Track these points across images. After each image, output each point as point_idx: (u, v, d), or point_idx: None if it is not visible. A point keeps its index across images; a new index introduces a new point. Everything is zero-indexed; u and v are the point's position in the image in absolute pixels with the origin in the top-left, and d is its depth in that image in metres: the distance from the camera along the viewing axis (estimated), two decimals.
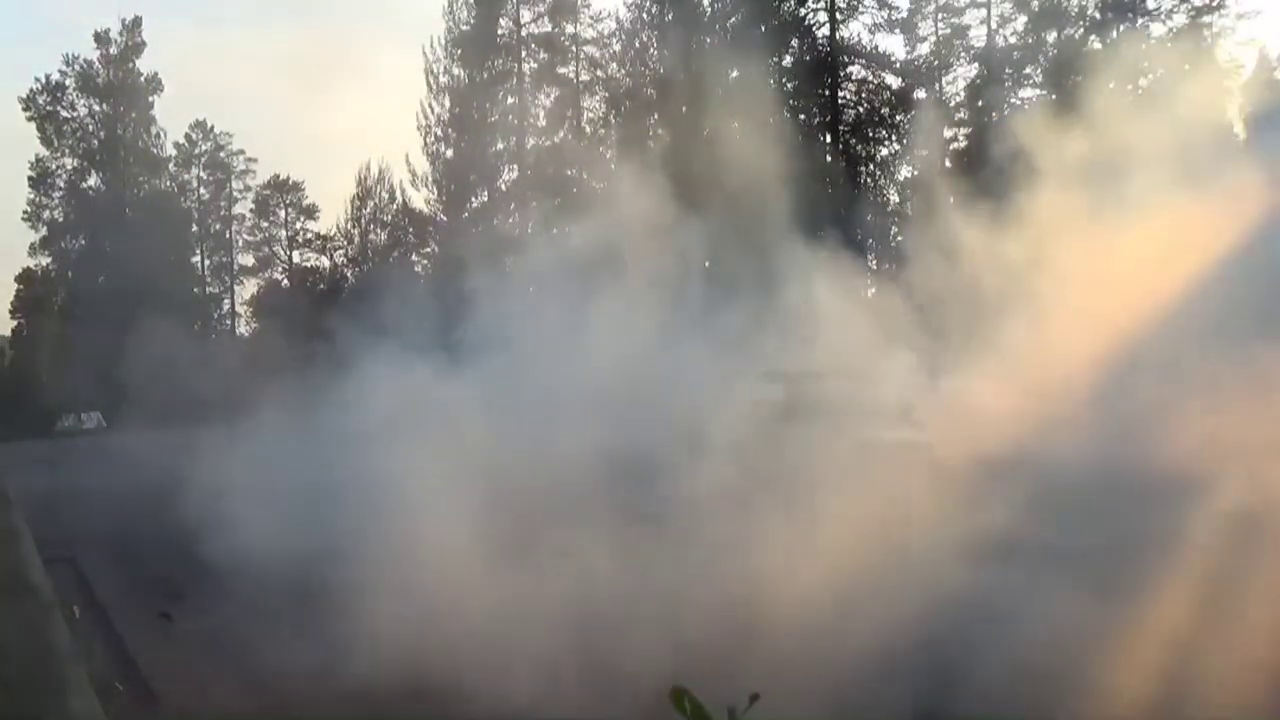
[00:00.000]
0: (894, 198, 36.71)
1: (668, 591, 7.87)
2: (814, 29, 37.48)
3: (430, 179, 40.09)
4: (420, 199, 41.20)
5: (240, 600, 8.93)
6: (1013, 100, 35.56)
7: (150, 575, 10.95)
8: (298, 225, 48.45)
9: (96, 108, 43.38)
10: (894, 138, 37.02)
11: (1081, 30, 34.25)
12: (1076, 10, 34.55)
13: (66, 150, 43.47)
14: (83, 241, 42.78)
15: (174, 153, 45.77)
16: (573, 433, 10.96)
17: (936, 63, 37.23)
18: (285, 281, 47.32)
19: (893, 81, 37.65)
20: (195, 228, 46.82)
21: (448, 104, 39.71)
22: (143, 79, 43.72)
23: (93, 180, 43.74)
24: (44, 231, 43.08)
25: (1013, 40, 36.16)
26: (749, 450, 10.97)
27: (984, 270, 14.82)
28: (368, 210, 45.36)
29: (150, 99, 43.98)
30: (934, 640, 6.99)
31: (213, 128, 47.04)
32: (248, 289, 47.99)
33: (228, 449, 12.58)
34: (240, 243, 48.18)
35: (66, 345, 33.23)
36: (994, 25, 36.44)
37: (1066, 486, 11.07)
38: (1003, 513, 9.61)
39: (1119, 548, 8.87)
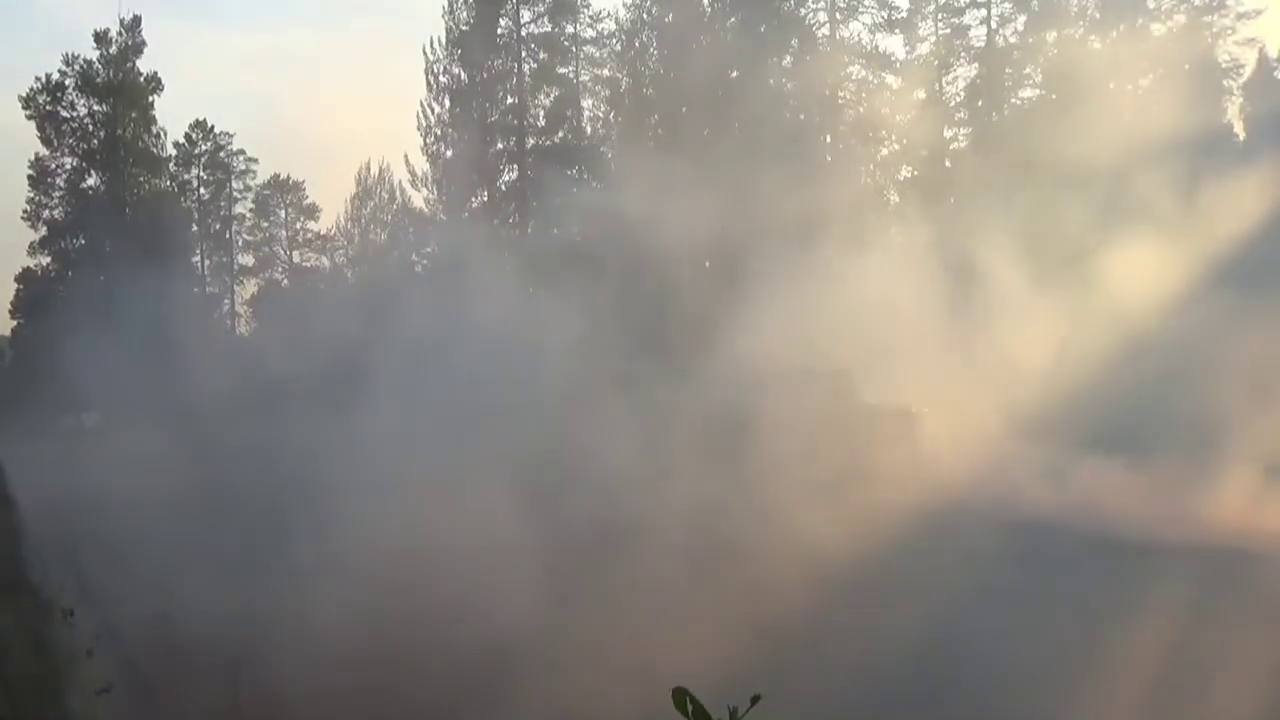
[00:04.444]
0: (894, 198, 36.72)
1: None
2: (814, 29, 37.45)
3: (430, 179, 40.07)
4: (420, 199, 41.21)
5: None
6: (1013, 100, 35.58)
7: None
8: (298, 225, 48.42)
9: (96, 107, 43.28)
10: (894, 138, 37.00)
11: (1081, 30, 34.22)
12: (1076, 10, 34.51)
13: (66, 150, 43.35)
14: (83, 241, 42.69)
15: (174, 153, 45.71)
16: None
17: (936, 63, 37.18)
18: (285, 281, 47.33)
19: (893, 81, 37.62)
20: (195, 228, 46.72)
21: (448, 104, 39.69)
22: (143, 79, 43.61)
23: (93, 180, 43.62)
24: (44, 231, 42.97)
25: (1013, 40, 36.13)
26: None
27: None
28: (368, 210, 45.39)
29: (150, 99, 43.88)
30: None
31: (213, 128, 46.99)
32: (248, 289, 47.97)
33: None
34: (240, 243, 48.14)
35: (66, 345, 33.19)
36: (994, 25, 36.42)
37: None
38: None
39: None
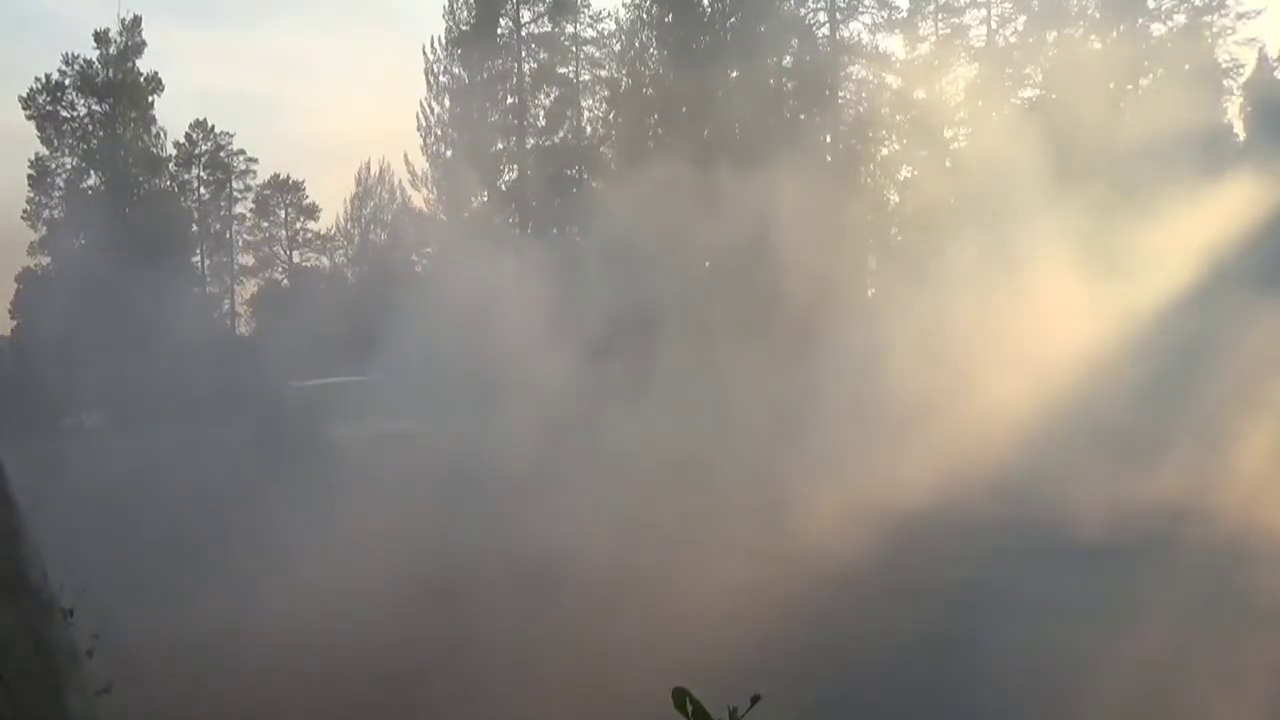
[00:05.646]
0: (894, 198, 36.75)
1: None
2: (814, 29, 37.46)
3: (430, 179, 40.10)
4: (420, 199, 41.24)
5: None
6: (1013, 100, 35.57)
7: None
8: (298, 225, 48.45)
9: (96, 107, 43.29)
10: (894, 138, 37.00)
11: (1081, 30, 34.24)
12: (1076, 10, 34.52)
13: (66, 150, 43.37)
14: (83, 241, 42.68)
15: (174, 153, 45.69)
16: None
17: (937, 63, 37.17)
18: (285, 281, 47.35)
19: (893, 81, 37.62)
20: (195, 228, 46.71)
21: (448, 104, 39.71)
22: (142, 79, 43.61)
23: (92, 180, 43.64)
24: (44, 231, 43.01)
25: (1013, 40, 36.13)
26: None
27: None
28: (368, 210, 45.48)
29: (150, 99, 43.88)
30: None
31: (213, 128, 46.97)
32: (248, 289, 47.99)
33: None
34: (240, 243, 48.16)
35: (66, 345, 33.19)
36: (994, 25, 36.43)
37: None
38: None
39: None
